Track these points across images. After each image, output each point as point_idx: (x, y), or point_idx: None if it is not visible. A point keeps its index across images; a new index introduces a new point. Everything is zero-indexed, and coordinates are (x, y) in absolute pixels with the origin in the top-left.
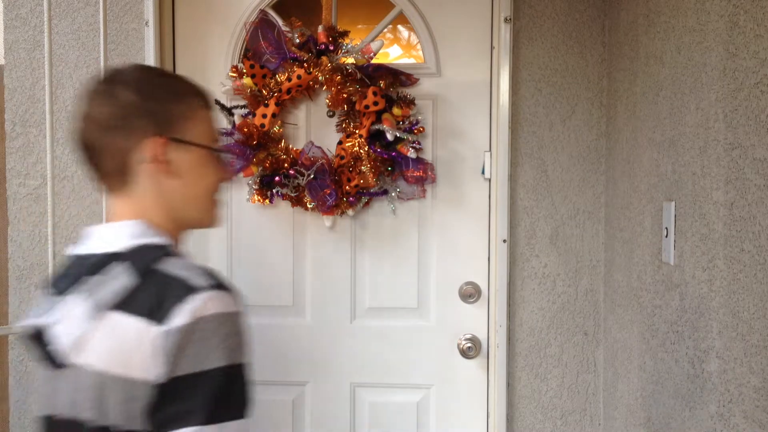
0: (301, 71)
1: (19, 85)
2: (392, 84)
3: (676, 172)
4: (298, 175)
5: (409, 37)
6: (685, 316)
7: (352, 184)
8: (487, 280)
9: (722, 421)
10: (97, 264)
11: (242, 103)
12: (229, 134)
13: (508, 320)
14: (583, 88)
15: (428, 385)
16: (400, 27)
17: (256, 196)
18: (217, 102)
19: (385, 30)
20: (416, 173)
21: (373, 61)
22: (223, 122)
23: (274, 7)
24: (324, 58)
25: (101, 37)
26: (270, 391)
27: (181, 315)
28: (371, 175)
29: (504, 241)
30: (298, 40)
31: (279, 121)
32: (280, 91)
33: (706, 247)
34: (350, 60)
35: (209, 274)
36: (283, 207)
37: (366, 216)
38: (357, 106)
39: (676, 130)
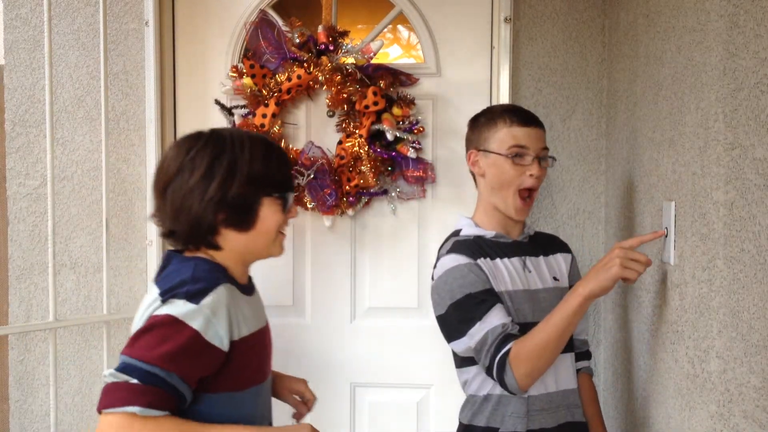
0: (301, 71)
1: (19, 85)
2: (392, 84)
3: (675, 172)
4: (298, 175)
5: (409, 37)
6: (685, 316)
7: (352, 184)
8: None
9: (722, 421)
10: None
11: (242, 103)
12: None
13: None
14: (583, 88)
15: (428, 385)
16: (400, 27)
17: None
18: (217, 102)
19: (385, 30)
20: (416, 173)
21: (373, 61)
22: (223, 122)
23: (274, 7)
24: (324, 58)
25: (101, 37)
26: None
27: None
28: (371, 175)
29: None
30: (298, 40)
31: (279, 121)
32: (280, 91)
33: (706, 247)
34: (350, 60)
35: None
36: None
37: (366, 216)
38: (357, 106)
39: (676, 130)
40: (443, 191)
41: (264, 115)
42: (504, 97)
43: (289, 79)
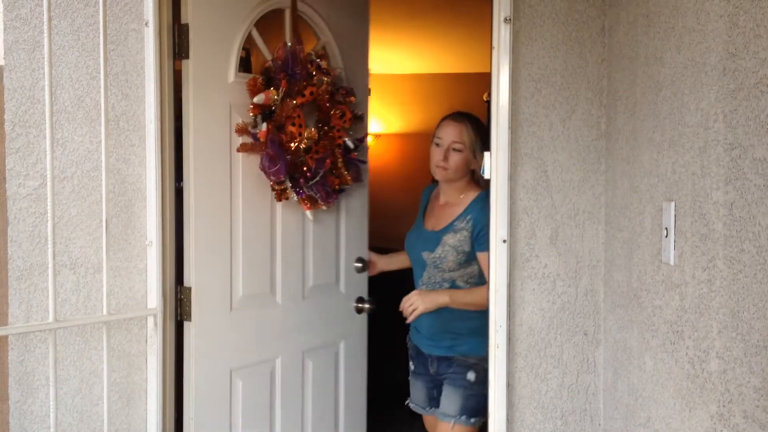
0: (312, 88)
1: (19, 86)
2: None
3: (676, 172)
4: (309, 178)
5: None
6: (685, 316)
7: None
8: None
9: (722, 421)
10: None
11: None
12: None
13: (508, 320)
14: (583, 88)
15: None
16: None
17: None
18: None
19: None
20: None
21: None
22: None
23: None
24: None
25: (101, 38)
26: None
27: None
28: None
29: (504, 241)
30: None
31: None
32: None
33: (706, 247)
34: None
35: None
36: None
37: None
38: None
39: (676, 130)
40: None
41: (281, 127)
42: (504, 97)
43: (302, 95)
